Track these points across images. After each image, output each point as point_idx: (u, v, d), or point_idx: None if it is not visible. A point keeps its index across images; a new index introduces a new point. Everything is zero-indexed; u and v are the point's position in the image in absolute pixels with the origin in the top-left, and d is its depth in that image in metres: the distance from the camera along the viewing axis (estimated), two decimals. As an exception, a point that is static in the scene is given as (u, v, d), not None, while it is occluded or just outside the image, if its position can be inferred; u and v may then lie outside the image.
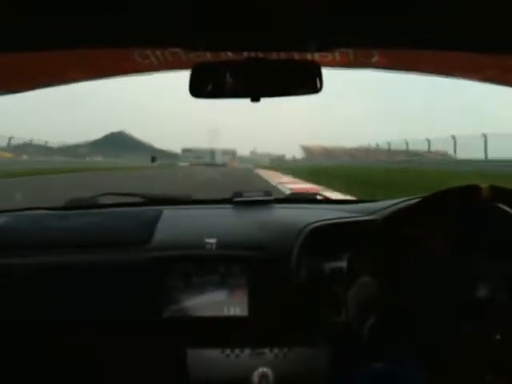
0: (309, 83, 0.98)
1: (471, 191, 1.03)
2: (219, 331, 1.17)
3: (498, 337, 0.93)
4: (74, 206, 1.54)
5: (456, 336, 0.96)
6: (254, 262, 1.17)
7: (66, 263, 1.19)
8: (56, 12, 0.72)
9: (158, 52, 1.14)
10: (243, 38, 0.89)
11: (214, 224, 1.34)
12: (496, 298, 0.96)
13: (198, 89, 0.98)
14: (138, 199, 1.58)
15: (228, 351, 1.17)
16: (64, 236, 1.26)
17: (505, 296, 0.97)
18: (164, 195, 1.65)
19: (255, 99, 0.98)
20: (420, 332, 0.99)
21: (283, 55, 1.03)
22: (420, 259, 1.01)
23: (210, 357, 1.18)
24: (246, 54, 0.97)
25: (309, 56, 1.05)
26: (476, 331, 0.95)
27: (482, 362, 0.93)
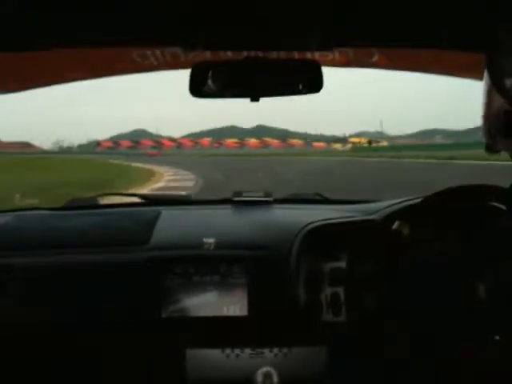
0: (309, 82, 0.98)
1: (471, 191, 1.03)
2: (219, 331, 1.17)
3: (498, 337, 0.93)
4: (74, 206, 1.54)
5: (456, 336, 0.96)
6: (253, 262, 1.17)
7: (65, 263, 1.19)
8: (55, 12, 0.72)
9: (157, 51, 1.14)
10: (243, 38, 0.89)
11: (213, 224, 1.34)
12: (496, 298, 0.96)
13: (198, 88, 0.98)
14: (137, 199, 1.58)
15: (228, 351, 1.17)
16: (64, 236, 1.26)
17: (504, 296, 0.96)
18: (163, 195, 1.65)
19: (255, 99, 0.98)
20: (420, 332, 0.99)
21: (283, 54, 1.03)
22: (420, 259, 1.01)
23: (209, 357, 1.18)
24: (245, 53, 0.97)
25: (309, 55, 1.05)
26: (476, 332, 0.95)
27: (482, 362, 0.93)
